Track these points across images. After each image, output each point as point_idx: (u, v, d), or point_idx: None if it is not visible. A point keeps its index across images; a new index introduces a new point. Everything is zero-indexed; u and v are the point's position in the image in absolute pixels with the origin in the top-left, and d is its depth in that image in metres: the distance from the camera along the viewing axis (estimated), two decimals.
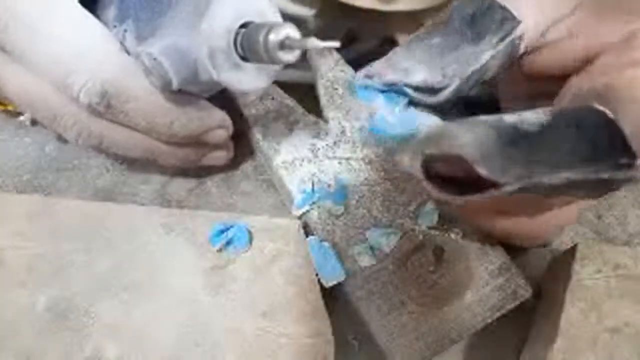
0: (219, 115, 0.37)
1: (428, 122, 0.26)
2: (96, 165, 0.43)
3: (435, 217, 0.38)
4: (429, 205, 0.38)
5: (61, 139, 0.44)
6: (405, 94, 0.27)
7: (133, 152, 0.37)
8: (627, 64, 0.25)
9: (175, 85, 0.33)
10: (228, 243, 0.36)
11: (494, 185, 0.21)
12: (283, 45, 0.29)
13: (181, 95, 0.35)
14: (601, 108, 0.23)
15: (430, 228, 0.38)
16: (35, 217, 0.36)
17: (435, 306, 0.36)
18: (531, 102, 0.29)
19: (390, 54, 0.26)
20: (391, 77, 0.25)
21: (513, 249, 0.39)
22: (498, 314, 0.36)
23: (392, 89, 0.26)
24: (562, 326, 0.35)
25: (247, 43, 0.30)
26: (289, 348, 0.33)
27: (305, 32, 0.30)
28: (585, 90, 0.26)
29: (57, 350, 0.33)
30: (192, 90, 0.35)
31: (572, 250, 0.38)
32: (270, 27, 0.29)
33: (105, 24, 0.36)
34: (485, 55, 0.25)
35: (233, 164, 0.44)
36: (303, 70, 0.45)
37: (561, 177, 0.22)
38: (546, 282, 0.41)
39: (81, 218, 0.36)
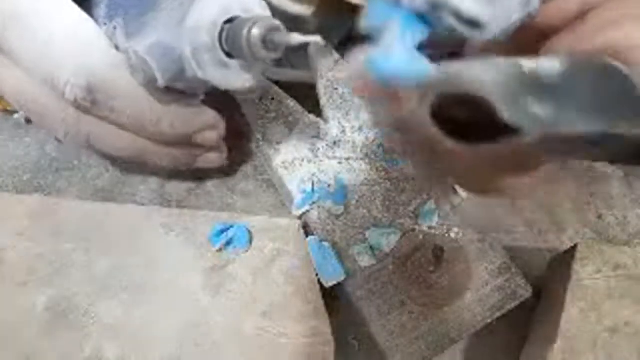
0: (210, 116, 0.36)
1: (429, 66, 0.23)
2: (96, 165, 0.43)
3: (436, 217, 0.38)
4: (429, 205, 0.38)
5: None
6: (431, 26, 0.23)
7: (122, 152, 0.36)
8: (628, 16, 0.24)
9: (160, 82, 0.32)
10: (228, 243, 0.36)
11: (513, 132, 0.19)
12: (265, 40, 0.28)
13: (170, 94, 0.34)
14: (616, 63, 0.21)
15: (430, 228, 0.38)
16: (35, 217, 0.36)
17: (435, 306, 0.36)
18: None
19: None
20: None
21: (513, 248, 0.39)
22: (498, 314, 0.36)
23: (424, 14, 0.22)
24: (562, 326, 0.35)
25: (232, 39, 0.29)
26: (288, 348, 0.33)
27: (305, 31, 0.30)
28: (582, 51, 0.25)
29: (57, 350, 0.33)
30: (179, 87, 0.34)
31: (572, 251, 0.38)
32: (254, 22, 0.28)
33: (96, 21, 0.35)
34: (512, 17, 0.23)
35: (233, 164, 0.44)
36: (303, 70, 0.45)
37: (586, 128, 0.20)
38: (546, 282, 0.41)
39: (81, 218, 0.36)
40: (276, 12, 0.50)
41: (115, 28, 0.35)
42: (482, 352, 0.40)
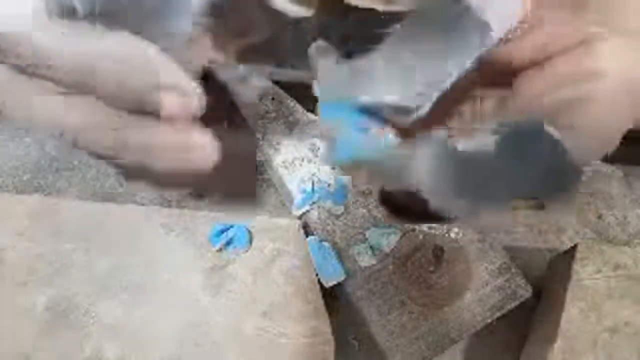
0: (184, 81, 0.23)
1: (391, 144, 0.25)
2: (96, 165, 0.43)
3: None
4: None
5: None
6: (375, 114, 0.26)
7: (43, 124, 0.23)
8: (584, 74, 0.25)
9: (80, 12, 0.21)
10: (228, 243, 0.36)
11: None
12: None
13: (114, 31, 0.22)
14: (550, 131, 0.23)
15: (430, 228, 0.38)
16: (35, 217, 0.36)
17: (436, 306, 0.36)
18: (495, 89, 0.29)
19: (364, 63, 0.25)
20: (365, 98, 0.24)
21: (513, 248, 0.39)
22: (498, 314, 0.36)
23: (363, 109, 0.25)
24: (562, 326, 0.35)
25: None
26: (288, 348, 0.33)
27: (305, 32, 0.30)
28: (541, 99, 0.26)
29: (57, 350, 0.33)
30: (106, 12, 0.22)
31: (572, 251, 0.38)
32: None
33: None
34: (459, 69, 0.24)
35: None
36: (303, 70, 0.45)
37: (505, 208, 0.23)
38: (546, 282, 0.41)
39: (81, 218, 0.36)
40: (276, 14, 0.50)
41: None
42: (482, 352, 0.40)
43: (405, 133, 0.26)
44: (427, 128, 0.26)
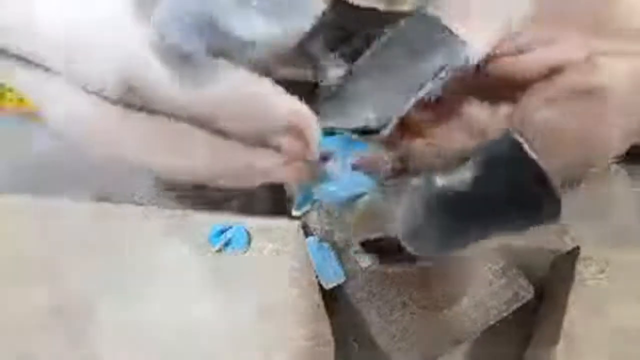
0: (298, 112, 0.25)
1: (368, 185, 0.26)
2: (95, 165, 0.43)
3: None
4: None
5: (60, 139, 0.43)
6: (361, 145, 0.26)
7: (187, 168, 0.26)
8: (589, 89, 0.25)
9: (198, 52, 0.23)
10: (227, 244, 0.36)
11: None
12: None
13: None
14: (529, 153, 0.23)
15: None
16: (35, 217, 0.36)
17: (437, 308, 0.36)
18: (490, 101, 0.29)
19: (335, 88, 0.25)
20: (330, 122, 0.24)
21: (515, 249, 0.38)
22: (500, 316, 0.36)
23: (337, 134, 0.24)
24: (565, 327, 0.35)
25: None
26: (288, 349, 0.33)
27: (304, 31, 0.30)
28: (547, 112, 0.26)
29: (56, 350, 0.33)
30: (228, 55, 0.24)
31: (575, 251, 0.38)
32: None
33: None
34: (426, 86, 0.23)
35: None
36: (303, 69, 0.45)
37: (479, 245, 0.23)
38: (549, 283, 0.40)
39: (80, 218, 0.36)
40: None
41: None
42: (484, 353, 0.40)
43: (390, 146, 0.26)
44: (406, 138, 0.26)
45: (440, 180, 0.22)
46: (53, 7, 0.25)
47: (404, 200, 0.22)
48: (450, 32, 0.24)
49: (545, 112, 0.26)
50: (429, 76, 0.24)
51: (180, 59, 0.24)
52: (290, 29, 0.25)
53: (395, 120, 0.24)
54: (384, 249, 0.24)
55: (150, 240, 0.36)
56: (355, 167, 0.25)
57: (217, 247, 0.35)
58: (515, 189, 0.22)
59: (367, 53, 0.25)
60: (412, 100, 0.24)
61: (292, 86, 0.44)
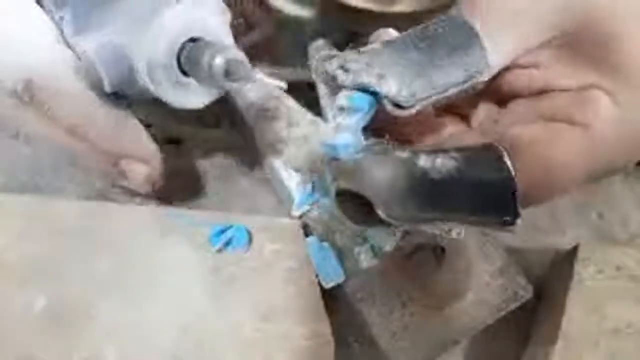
0: (147, 148, 0.35)
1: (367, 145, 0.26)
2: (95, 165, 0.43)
3: None
4: None
5: None
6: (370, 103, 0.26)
7: (56, 150, 0.36)
8: (570, 117, 0.26)
9: (107, 88, 0.31)
10: (227, 243, 0.36)
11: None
12: (228, 71, 0.27)
13: (115, 106, 0.33)
14: (508, 165, 0.24)
15: (431, 228, 0.38)
16: (33, 217, 0.36)
17: (437, 307, 0.36)
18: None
19: (367, 51, 0.25)
20: (365, 79, 0.24)
21: (514, 249, 0.39)
22: (499, 315, 0.36)
23: (360, 90, 0.25)
24: (563, 327, 0.35)
25: (193, 61, 0.28)
26: (288, 349, 0.33)
27: (305, 33, 0.30)
28: (521, 129, 0.27)
29: (56, 351, 0.32)
30: (128, 93, 0.32)
31: (574, 251, 0.38)
32: (217, 50, 0.27)
33: (42, 7, 0.33)
34: (451, 90, 0.25)
35: (232, 164, 0.44)
36: (303, 69, 0.45)
37: (446, 227, 0.25)
38: (547, 283, 0.41)
39: (80, 218, 0.36)
40: (276, 14, 0.50)
41: (62, 19, 0.33)
42: (482, 353, 0.40)
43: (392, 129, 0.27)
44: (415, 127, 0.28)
45: (423, 160, 0.24)
46: None
47: (386, 167, 0.24)
48: (484, 50, 0.25)
49: (519, 128, 0.27)
50: (458, 79, 0.25)
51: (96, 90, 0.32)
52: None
53: (417, 109, 0.25)
54: (358, 208, 0.25)
55: (150, 240, 0.36)
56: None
57: (217, 247, 0.35)
58: (485, 190, 0.24)
59: (411, 32, 0.26)
60: (435, 98, 0.25)
61: (292, 86, 0.44)
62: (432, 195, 0.24)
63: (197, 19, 0.29)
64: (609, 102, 0.25)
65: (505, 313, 0.36)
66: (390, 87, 0.24)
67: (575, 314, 0.35)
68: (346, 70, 0.24)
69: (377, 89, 0.24)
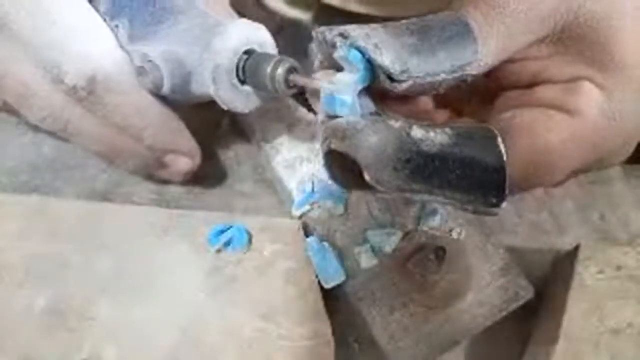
0: (190, 145, 0.38)
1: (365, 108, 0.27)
2: (94, 165, 0.43)
3: (437, 218, 0.38)
4: (431, 206, 0.38)
5: (59, 138, 0.43)
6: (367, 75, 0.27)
7: (95, 145, 0.37)
8: (559, 106, 0.26)
9: (166, 88, 0.33)
10: (227, 244, 0.36)
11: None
12: (287, 80, 0.31)
13: (165, 107, 0.36)
14: (500, 147, 0.24)
15: (431, 228, 0.38)
16: (33, 217, 0.36)
17: (437, 307, 0.36)
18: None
19: (366, 27, 0.26)
20: (362, 43, 0.25)
21: (515, 249, 0.38)
22: (500, 315, 0.36)
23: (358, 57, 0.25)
24: (564, 327, 0.35)
25: (252, 70, 0.32)
26: (288, 350, 0.33)
27: (303, 35, 0.31)
28: (511, 119, 0.27)
29: (56, 351, 0.32)
30: (178, 99, 0.35)
31: (575, 251, 0.38)
32: (278, 61, 0.31)
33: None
34: (442, 75, 0.25)
35: (232, 164, 0.43)
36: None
37: (434, 200, 0.25)
38: (548, 283, 0.40)
39: (79, 219, 0.36)
40: (274, 16, 0.50)
41: (117, 27, 0.35)
42: (483, 352, 0.40)
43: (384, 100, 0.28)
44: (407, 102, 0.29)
45: (416, 132, 0.24)
46: None
47: (377, 132, 0.24)
48: (476, 43, 0.26)
49: (511, 113, 0.27)
50: (449, 67, 0.25)
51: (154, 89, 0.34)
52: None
53: (408, 85, 0.25)
54: (347, 172, 0.25)
55: (150, 240, 0.36)
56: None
57: (217, 247, 0.35)
58: (475, 169, 0.24)
59: (409, 21, 0.26)
60: (427, 80, 0.25)
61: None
62: (421, 166, 0.24)
63: (254, 32, 0.33)
64: (600, 95, 0.26)
65: (506, 313, 0.36)
66: (384, 58, 0.24)
67: (576, 314, 0.35)
68: (345, 37, 0.25)
69: (372, 56, 0.24)
